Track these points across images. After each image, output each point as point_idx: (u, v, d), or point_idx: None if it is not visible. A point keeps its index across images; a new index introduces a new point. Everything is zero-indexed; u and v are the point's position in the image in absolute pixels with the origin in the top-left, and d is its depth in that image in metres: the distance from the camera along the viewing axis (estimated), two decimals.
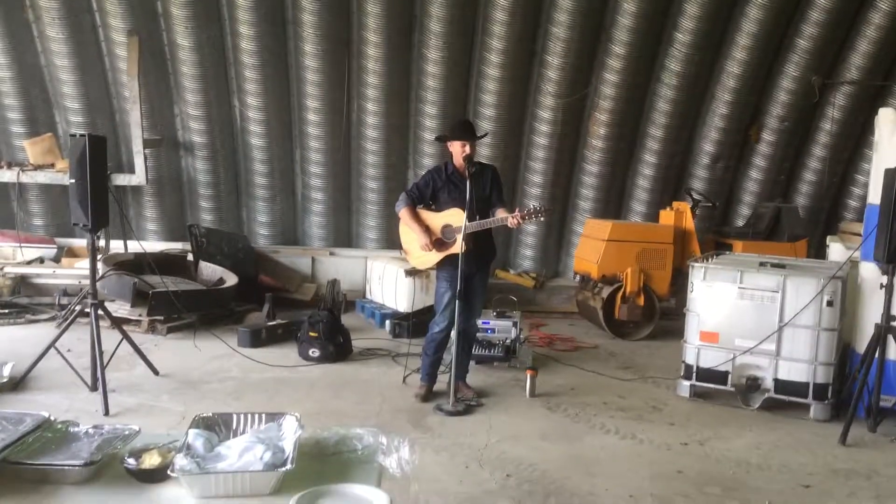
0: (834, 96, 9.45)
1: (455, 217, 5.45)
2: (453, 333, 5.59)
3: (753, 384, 5.84)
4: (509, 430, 5.12)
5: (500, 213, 5.43)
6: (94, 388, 5.36)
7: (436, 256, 5.58)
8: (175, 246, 9.30)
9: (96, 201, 5.23)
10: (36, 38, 8.60)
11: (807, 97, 9.38)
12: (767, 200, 9.76)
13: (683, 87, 9.26)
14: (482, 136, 5.92)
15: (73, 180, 5.22)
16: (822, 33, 8.88)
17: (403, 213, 5.63)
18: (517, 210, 5.35)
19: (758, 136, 9.78)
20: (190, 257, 8.70)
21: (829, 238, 7.68)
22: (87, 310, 5.43)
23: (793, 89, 9.35)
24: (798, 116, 9.59)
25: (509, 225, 5.31)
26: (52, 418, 3.04)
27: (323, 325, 6.71)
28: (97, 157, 5.25)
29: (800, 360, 5.69)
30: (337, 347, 6.73)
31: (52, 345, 5.48)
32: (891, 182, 5.19)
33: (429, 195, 5.66)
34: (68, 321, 5.71)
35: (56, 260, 8.96)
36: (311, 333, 6.70)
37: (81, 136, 5.22)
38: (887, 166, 5.37)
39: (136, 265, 7.97)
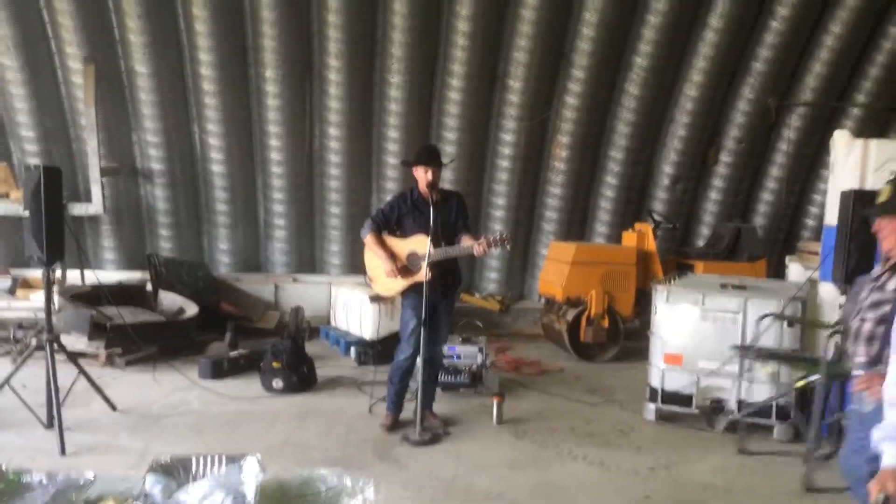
0: (790, 118, 9.65)
1: (420, 244, 5.41)
2: (419, 361, 5.55)
3: (717, 406, 5.87)
4: (477, 459, 5.07)
5: (466, 241, 5.40)
6: (49, 425, 5.21)
7: (401, 284, 5.52)
8: (134, 275, 9.12)
9: (51, 234, 5.10)
10: None
11: (763, 119, 9.57)
12: (727, 221, 9.90)
13: (642, 110, 9.38)
14: (448, 163, 5.91)
15: (27, 212, 5.09)
16: (777, 56, 9.09)
17: (369, 238, 5.57)
18: (482, 237, 5.32)
19: (716, 158, 9.94)
20: (149, 287, 8.55)
21: (787, 258, 7.79)
22: (43, 345, 5.29)
23: (749, 111, 9.53)
24: (755, 138, 9.78)
25: (475, 253, 5.29)
26: (3, 468, 2.92)
27: (286, 354, 6.61)
28: (52, 189, 5.13)
29: (762, 381, 5.74)
30: (301, 377, 6.63)
31: (6, 381, 5.32)
32: (847, 204, 5.29)
33: (394, 221, 5.61)
34: (22, 358, 5.54)
35: (11, 292, 8.74)
36: (274, 364, 6.59)
37: (36, 167, 5.11)
38: (843, 188, 5.48)
39: (93, 296, 7.81)
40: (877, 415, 2.92)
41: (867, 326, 3.41)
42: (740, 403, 5.77)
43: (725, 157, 9.93)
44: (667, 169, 9.89)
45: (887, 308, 3.33)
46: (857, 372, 3.39)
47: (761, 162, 10.10)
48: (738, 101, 9.53)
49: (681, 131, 9.62)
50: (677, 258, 9.32)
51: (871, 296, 3.47)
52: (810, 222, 10.45)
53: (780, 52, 9.04)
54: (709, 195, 10.21)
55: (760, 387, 5.74)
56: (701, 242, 10.16)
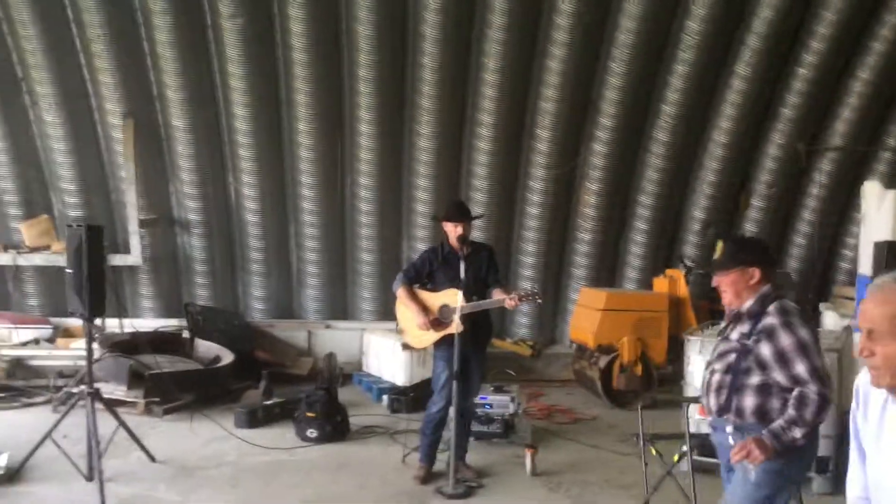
0: (820, 162, 9.63)
1: (452, 297, 5.47)
2: (451, 411, 5.58)
3: None
4: None
5: (497, 295, 5.47)
6: (90, 478, 5.30)
7: (433, 336, 5.59)
8: (171, 322, 9.28)
9: (93, 291, 5.26)
10: (32, 121, 8.71)
11: (793, 163, 9.56)
12: None
13: (671, 157, 9.43)
14: (476, 217, 6.00)
15: (69, 271, 5.25)
16: (805, 102, 9.11)
17: (400, 292, 5.66)
18: (513, 293, 5.41)
19: (747, 202, 9.93)
20: (186, 335, 8.69)
21: (822, 305, 7.72)
22: (83, 400, 5.41)
23: (779, 156, 9.54)
24: (786, 182, 9.76)
25: (507, 306, 5.36)
26: None
27: (320, 404, 6.68)
28: (94, 246, 5.30)
29: None
30: (334, 426, 6.68)
31: (47, 435, 5.43)
32: (881, 255, 5.28)
33: (425, 274, 5.70)
34: (63, 413, 5.66)
35: (51, 340, 8.92)
36: (309, 414, 6.66)
37: (79, 226, 5.28)
38: (875, 238, 5.47)
39: (131, 345, 7.97)
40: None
41: (716, 378, 3.49)
42: None
43: (757, 202, 9.92)
44: (697, 214, 9.90)
45: (732, 357, 3.42)
46: (730, 441, 3.42)
47: (793, 206, 10.07)
48: (767, 146, 9.55)
49: (710, 176, 9.64)
50: (710, 304, 9.26)
51: (719, 347, 3.57)
52: (845, 265, 10.34)
53: (809, 98, 9.06)
54: None
55: None
56: None
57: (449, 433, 5.66)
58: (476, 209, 9.17)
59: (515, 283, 9.92)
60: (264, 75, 8.64)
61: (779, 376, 3.27)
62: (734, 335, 3.46)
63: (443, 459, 5.74)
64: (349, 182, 9.39)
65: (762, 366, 3.31)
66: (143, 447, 5.88)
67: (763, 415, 3.30)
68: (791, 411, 3.19)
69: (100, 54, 8.24)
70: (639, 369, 8.08)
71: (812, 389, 3.19)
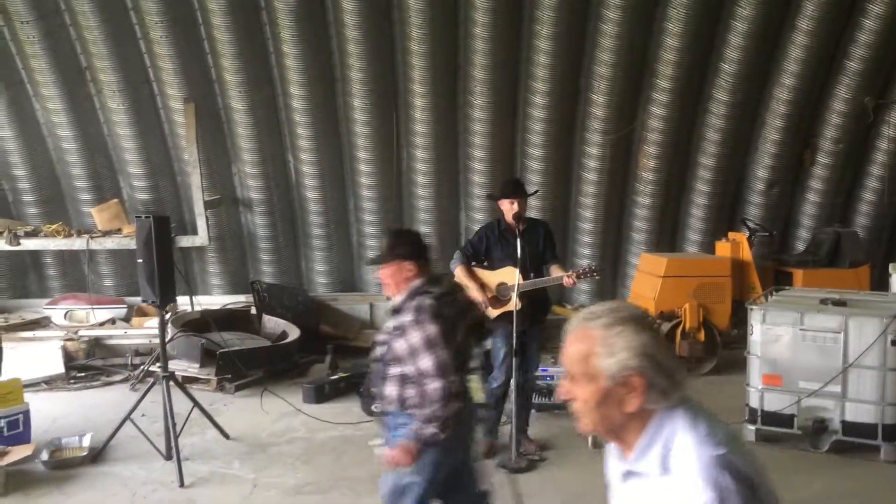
0: (889, 115, 9.28)
1: (509, 275, 5.52)
2: (512, 383, 5.65)
3: (821, 427, 5.74)
4: (575, 487, 5.14)
5: (555, 272, 5.51)
6: (168, 456, 5.56)
7: (491, 314, 5.65)
8: (239, 299, 9.56)
9: (162, 279, 5.46)
10: (98, 109, 8.98)
11: (860, 118, 9.23)
12: (826, 223, 9.60)
13: (732, 116, 9.20)
14: (532, 194, 6.00)
15: (140, 260, 5.46)
16: (872, 54, 8.74)
17: (458, 270, 5.73)
18: (571, 271, 5.44)
19: (812, 160, 9.64)
20: (253, 311, 8.96)
21: (891, 266, 7.49)
22: (159, 381, 5.66)
23: (845, 111, 9.21)
24: (852, 138, 9.44)
25: (564, 284, 5.38)
26: None
27: None
28: (162, 236, 5.49)
29: (867, 401, 5.59)
30: None
31: (127, 417, 5.70)
32: None
33: (482, 252, 5.76)
34: (141, 395, 5.93)
35: (126, 319, 9.30)
36: (373, 388, 6.80)
37: (147, 217, 5.47)
38: None
39: (202, 323, 8.26)
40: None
41: (375, 366, 3.66)
42: (844, 424, 5.64)
43: (822, 159, 9.62)
44: (760, 173, 9.67)
45: (385, 348, 3.57)
46: (379, 451, 3.67)
47: (861, 162, 9.74)
48: (832, 101, 9.22)
49: (774, 135, 9.38)
50: (775, 266, 9.10)
51: (379, 337, 3.68)
52: None
53: (875, 50, 8.68)
54: (806, 198, 9.92)
55: (865, 406, 5.60)
56: (801, 246, 9.88)
57: (511, 406, 5.75)
58: (532, 178, 9.21)
59: (574, 249, 9.91)
60: (318, 54, 8.71)
61: (410, 369, 3.42)
62: (390, 326, 3.60)
63: (506, 433, 5.83)
64: (405, 155, 9.44)
65: (398, 358, 3.47)
66: (216, 425, 6.14)
67: (402, 402, 3.49)
68: (423, 410, 3.38)
69: (159, 41, 8.41)
70: (701, 335, 8.01)
71: (433, 385, 3.35)
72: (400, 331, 3.47)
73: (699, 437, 1.76)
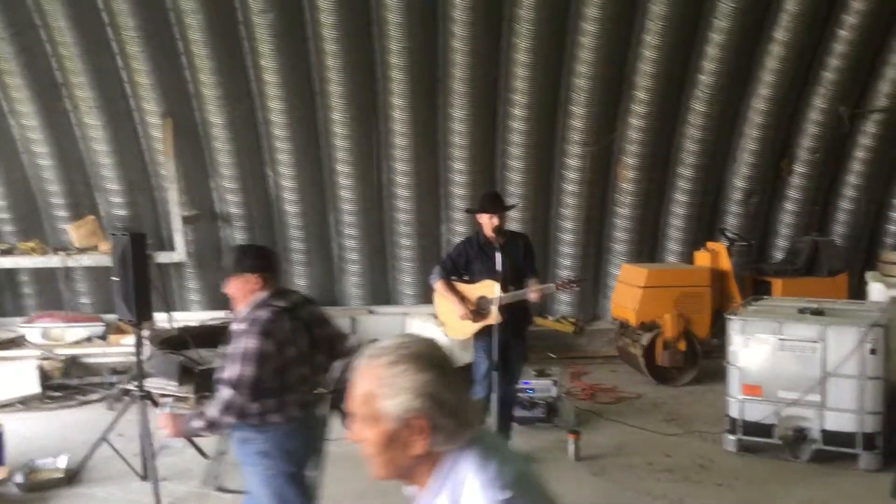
0: (864, 125, 9.38)
1: (489, 289, 5.52)
2: (494, 398, 5.63)
3: (800, 436, 5.77)
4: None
5: (533, 286, 5.49)
6: (145, 477, 5.48)
7: (472, 327, 5.65)
8: (218, 315, 9.46)
9: (139, 297, 5.40)
10: (75, 125, 8.89)
11: (836, 128, 9.32)
12: (804, 232, 9.68)
13: (710, 127, 9.27)
14: (511, 207, 6.00)
15: (116, 278, 5.40)
16: (847, 64, 8.86)
17: (438, 285, 5.72)
18: (552, 282, 5.46)
19: (789, 169, 9.72)
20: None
21: (868, 275, 7.56)
22: (136, 400, 5.59)
23: (821, 121, 9.32)
24: (829, 147, 9.54)
25: (531, 299, 5.39)
26: None
27: None
28: (138, 253, 5.43)
29: (846, 409, 5.61)
30: None
31: (103, 437, 5.63)
32: None
33: (462, 266, 5.75)
34: (117, 415, 5.86)
35: (103, 337, 9.18)
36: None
37: (123, 234, 5.42)
38: None
39: (180, 340, 8.17)
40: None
41: None
42: (824, 433, 5.67)
43: (800, 168, 9.71)
44: (738, 183, 9.74)
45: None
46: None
47: (837, 171, 9.85)
48: (809, 111, 9.33)
49: (751, 145, 9.46)
50: (754, 275, 9.15)
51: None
52: (892, 228, 10.13)
53: (850, 60, 8.80)
54: (784, 207, 10.00)
55: (844, 415, 5.63)
56: (779, 255, 9.95)
57: (492, 420, 5.72)
58: (512, 190, 9.23)
59: (555, 261, 9.92)
60: (297, 68, 8.69)
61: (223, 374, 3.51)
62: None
63: None
64: (385, 168, 9.42)
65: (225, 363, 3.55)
66: (195, 444, 6.05)
67: None
68: (207, 405, 3.51)
69: (136, 56, 8.36)
70: (682, 345, 8.04)
71: (224, 393, 3.41)
72: (233, 340, 3.53)
73: (486, 479, 1.68)
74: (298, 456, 3.75)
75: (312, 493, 3.92)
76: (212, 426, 3.49)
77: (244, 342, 3.45)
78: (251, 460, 3.67)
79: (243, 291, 3.62)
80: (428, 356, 1.73)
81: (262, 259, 3.71)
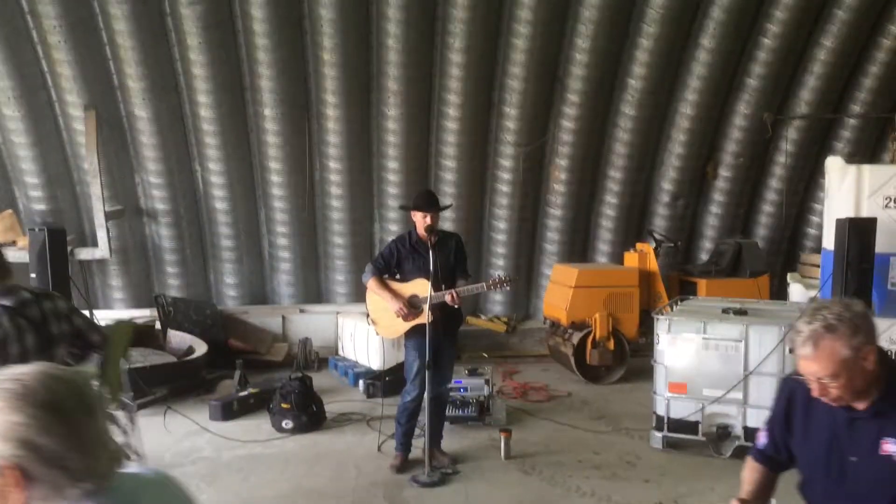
0: (786, 131, 9.70)
1: (421, 287, 5.49)
2: (426, 397, 5.61)
3: (724, 433, 5.91)
4: (485, 499, 5.13)
5: (457, 288, 5.48)
6: None
7: (403, 326, 5.61)
8: (143, 313, 9.21)
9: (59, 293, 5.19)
10: None
11: (760, 133, 9.62)
12: (728, 235, 9.96)
13: (639, 130, 9.46)
14: (445, 208, 5.99)
15: (33, 275, 5.19)
16: (770, 72, 9.16)
17: (371, 283, 5.66)
18: (483, 281, 5.46)
19: (715, 173, 9.99)
20: (158, 326, 8.65)
21: (789, 276, 7.82)
22: None
23: (746, 126, 9.60)
24: (753, 152, 9.83)
25: (448, 302, 5.37)
26: None
27: (295, 395, 6.68)
28: (57, 249, 5.24)
29: (767, 407, 5.72)
30: (310, 416, 6.70)
31: None
32: (843, 232, 5.34)
33: (394, 265, 5.71)
34: None
35: None
36: (283, 405, 6.66)
37: (41, 230, 5.21)
38: (838, 214, 5.53)
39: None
40: None
41: None
42: (746, 430, 5.82)
43: (725, 172, 9.99)
44: (666, 186, 9.96)
45: None
46: None
47: (761, 175, 10.17)
48: (734, 116, 9.61)
49: (678, 149, 9.69)
50: (680, 276, 9.36)
51: None
52: (812, 231, 10.49)
53: (773, 67, 9.11)
54: (710, 210, 10.27)
55: (765, 412, 5.77)
56: (704, 257, 10.21)
57: (424, 419, 5.71)
58: (446, 190, 9.25)
59: (489, 260, 9.98)
60: (227, 62, 8.52)
61: None
62: None
63: (419, 446, 5.79)
64: (318, 166, 9.32)
65: None
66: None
67: None
68: None
69: (57, 46, 8.05)
70: (611, 344, 8.17)
71: None
72: None
73: None
74: None
75: None
76: None
77: None
78: None
79: None
80: (33, 394, 1.44)
81: None
